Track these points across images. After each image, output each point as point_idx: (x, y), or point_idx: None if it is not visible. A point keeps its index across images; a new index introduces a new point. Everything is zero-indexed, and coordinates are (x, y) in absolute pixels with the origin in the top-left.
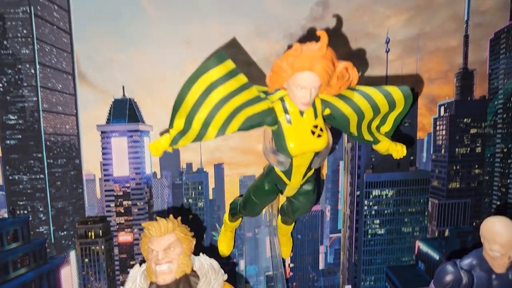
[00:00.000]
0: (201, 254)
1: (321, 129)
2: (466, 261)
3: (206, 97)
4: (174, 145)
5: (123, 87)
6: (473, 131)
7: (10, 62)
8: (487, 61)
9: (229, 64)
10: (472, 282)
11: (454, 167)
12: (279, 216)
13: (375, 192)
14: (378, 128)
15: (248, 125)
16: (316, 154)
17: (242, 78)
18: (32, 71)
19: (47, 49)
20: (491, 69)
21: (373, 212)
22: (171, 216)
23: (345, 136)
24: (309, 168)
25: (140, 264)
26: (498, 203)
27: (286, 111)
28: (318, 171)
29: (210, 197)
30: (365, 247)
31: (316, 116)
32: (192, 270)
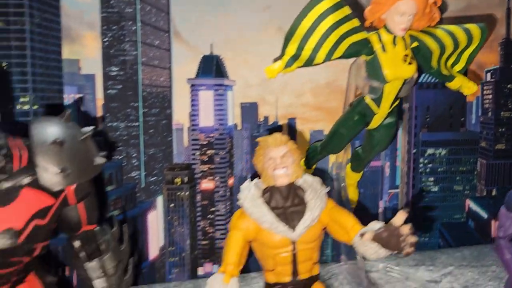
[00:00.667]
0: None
1: (411, 58)
2: None
3: (317, 25)
4: (287, 68)
5: (211, 45)
6: None
7: (115, 19)
8: None
9: None
10: None
11: (500, 129)
12: (348, 165)
13: (430, 150)
14: (452, 66)
15: (349, 53)
16: (404, 82)
17: (346, 10)
18: (134, 28)
19: (147, 9)
20: None
21: (427, 170)
22: (283, 131)
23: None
24: (396, 98)
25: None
26: None
27: (381, 41)
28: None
29: None
30: (420, 204)
31: (406, 48)
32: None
